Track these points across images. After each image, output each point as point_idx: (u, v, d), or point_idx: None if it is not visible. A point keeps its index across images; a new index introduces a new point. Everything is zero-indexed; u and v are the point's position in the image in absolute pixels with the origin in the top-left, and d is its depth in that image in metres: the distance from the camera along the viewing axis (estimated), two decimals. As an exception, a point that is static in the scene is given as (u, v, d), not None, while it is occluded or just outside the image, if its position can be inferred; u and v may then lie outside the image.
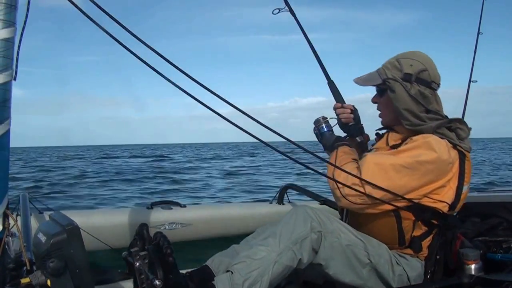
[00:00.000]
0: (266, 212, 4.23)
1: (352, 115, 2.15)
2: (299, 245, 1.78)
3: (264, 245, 1.79)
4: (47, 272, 1.38)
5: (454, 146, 1.87)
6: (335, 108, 2.20)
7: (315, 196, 3.89)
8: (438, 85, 1.98)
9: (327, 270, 1.83)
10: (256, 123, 1.54)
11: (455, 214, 2.63)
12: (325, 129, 2.14)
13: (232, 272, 1.73)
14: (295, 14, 2.33)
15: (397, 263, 1.88)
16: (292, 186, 4.41)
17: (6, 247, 1.58)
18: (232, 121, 1.46)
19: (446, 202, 1.86)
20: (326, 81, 2.29)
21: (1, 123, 1.48)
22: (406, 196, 1.79)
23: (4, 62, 1.47)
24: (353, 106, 2.18)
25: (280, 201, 4.37)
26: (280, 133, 1.59)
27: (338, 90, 2.25)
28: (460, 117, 3.16)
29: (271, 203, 4.42)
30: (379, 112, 2.09)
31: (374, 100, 2.08)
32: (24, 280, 1.41)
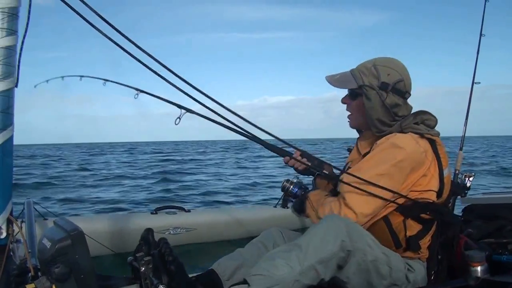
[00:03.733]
0: (271, 216, 4.24)
1: (304, 159, 2.11)
2: (325, 264, 1.65)
3: (286, 260, 1.64)
4: (52, 277, 1.38)
5: (421, 135, 1.87)
6: (285, 163, 2.16)
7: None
8: (410, 95, 1.98)
9: (347, 285, 1.76)
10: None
11: (459, 215, 2.64)
12: (296, 190, 2.13)
13: (249, 285, 1.64)
14: (197, 113, 1.78)
15: (409, 270, 1.86)
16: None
17: (11, 253, 1.59)
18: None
19: (432, 190, 1.86)
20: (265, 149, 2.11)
21: (4, 129, 1.49)
22: (397, 196, 1.79)
23: (6, 70, 1.49)
24: (300, 151, 2.15)
25: (284, 204, 4.36)
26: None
27: (279, 148, 2.12)
28: (465, 117, 3.20)
29: (275, 206, 4.43)
30: (348, 113, 2.07)
31: (344, 101, 2.06)
32: (29, 286, 1.42)
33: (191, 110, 1.83)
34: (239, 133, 1.69)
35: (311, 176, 2.22)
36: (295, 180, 2.16)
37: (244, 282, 1.67)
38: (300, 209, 2.05)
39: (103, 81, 1.62)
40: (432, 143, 1.89)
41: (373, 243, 1.75)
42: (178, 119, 1.72)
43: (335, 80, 2.02)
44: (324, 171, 2.05)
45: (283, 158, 2.15)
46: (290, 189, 2.14)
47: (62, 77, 2.03)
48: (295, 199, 2.13)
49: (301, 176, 2.21)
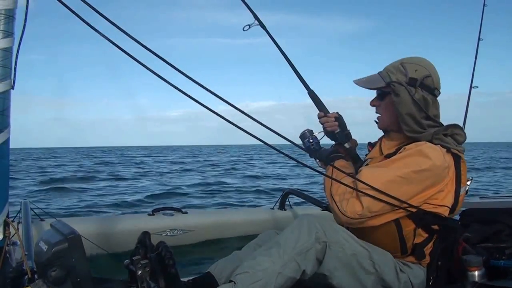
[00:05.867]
0: (268, 218, 4.23)
1: (336, 123, 2.12)
2: (303, 256, 1.75)
3: (267, 256, 1.76)
4: (49, 281, 1.38)
5: (448, 150, 1.87)
6: (319, 118, 2.16)
7: (317, 202, 3.87)
8: (439, 92, 1.97)
9: (331, 281, 1.81)
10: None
11: (457, 219, 2.64)
12: (312, 143, 2.10)
13: (234, 283, 1.71)
14: (266, 28, 2.22)
15: (401, 270, 1.87)
16: (293, 192, 4.41)
17: (7, 256, 1.58)
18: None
19: (446, 206, 1.85)
20: (306, 91, 2.22)
21: (0, 131, 1.48)
22: (406, 205, 1.78)
23: (3, 72, 1.48)
24: (337, 113, 2.15)
25: (281, 207, 4.38)
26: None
27: (320, 99, 2.19)
28: (462, 121, 3.21)
29: (272, 208, 4.43)
30: (377, 115, 2.05)
31: (373, 104, 2.05)
32: (26, 289, 1.41)
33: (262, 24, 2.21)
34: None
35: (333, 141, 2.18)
36: (316, 135, 2.12)
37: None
38: (322, 161, 2.10)
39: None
40: (457, 159, 1.88)
41: (349, 238, 1.83)
42: (247, 26, 2.20)
43: (363, 82, 2.02)
44: (347, 143, 2.11)
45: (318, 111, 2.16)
46: (307, 139, 2.11)
47: None
48: (307, 150, 2.11)
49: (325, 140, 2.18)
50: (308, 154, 2.13)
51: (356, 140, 2.20)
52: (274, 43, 2.22)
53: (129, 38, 1.37)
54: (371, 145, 2.16)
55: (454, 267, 2.01)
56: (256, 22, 2.22)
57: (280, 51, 2.21)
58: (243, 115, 1.56)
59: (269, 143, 1.59)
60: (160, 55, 1.40)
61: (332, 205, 1.85)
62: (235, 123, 1.49)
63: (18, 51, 1.53)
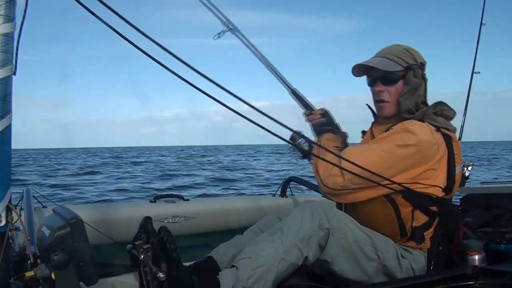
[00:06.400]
0: (269, 205, 4.24)
1: (324, 119, 2.09)
2: (306, 242, 1.76)
3: (270, 242, 1.77)
4: (51, 265, 1.38)
5: (438, 129, 1.86)
6: (305, 116, 2.14)
7: (317, 189, 3.87)
8: None
9: (333, 267, 1.82)
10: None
11: (458, 205, 2.65)
12: (303, 143, 2.10)
13: (237, 268, 1.72)
14: (240, 32, 2.09)
15: (402, 256, 1.88)
16: (294, 179, 4.41)
17: (10, 241, 1.59)
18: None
19: (438, 186, 1.85)
20: (288, 91, 2.17)
21: (2, 117, 1.48)
22: (393, 179, 1.76)
23: (4, 57, 1.47)
24: (322, 109, 2.12)
25: (283, 193, 4.38)
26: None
27: (303, 97, 2.14)
28: (463, 108, 3.20)
29: (274, 196, 4.43)
30: (383, 101, 1.99)
31: (380, 89, 1.97)
32: (29, 274, 1.41)
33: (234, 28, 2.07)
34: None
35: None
36: (305, 136, 2.09)
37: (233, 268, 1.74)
38: (304, 152, 2.13)
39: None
40: (447, 138, 1.87)
41: (352, 225, 1.83)
42: (217, 36, 2.05)
43: (376, 64, 1.94)
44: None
45: (304, 110, 2.15)
46: (299, 141, 2.10)
47: None
48: (300, 150, 2.14)
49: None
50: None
51: (346, 133, 2.16)
52: (247, 46, 2.11)
53: (138, 33, 1.36)
54: (364, 133, 2.17)
55: (455, 251, 2.02)
56: (227, 27, 2.07)
57: (255, 53, 2.12)
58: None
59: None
60: (174, 53, 1.38)
61: (316, 177, 1.87)
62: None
63: (20, 37, 1.53)
